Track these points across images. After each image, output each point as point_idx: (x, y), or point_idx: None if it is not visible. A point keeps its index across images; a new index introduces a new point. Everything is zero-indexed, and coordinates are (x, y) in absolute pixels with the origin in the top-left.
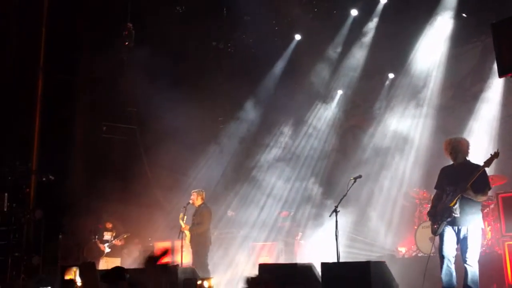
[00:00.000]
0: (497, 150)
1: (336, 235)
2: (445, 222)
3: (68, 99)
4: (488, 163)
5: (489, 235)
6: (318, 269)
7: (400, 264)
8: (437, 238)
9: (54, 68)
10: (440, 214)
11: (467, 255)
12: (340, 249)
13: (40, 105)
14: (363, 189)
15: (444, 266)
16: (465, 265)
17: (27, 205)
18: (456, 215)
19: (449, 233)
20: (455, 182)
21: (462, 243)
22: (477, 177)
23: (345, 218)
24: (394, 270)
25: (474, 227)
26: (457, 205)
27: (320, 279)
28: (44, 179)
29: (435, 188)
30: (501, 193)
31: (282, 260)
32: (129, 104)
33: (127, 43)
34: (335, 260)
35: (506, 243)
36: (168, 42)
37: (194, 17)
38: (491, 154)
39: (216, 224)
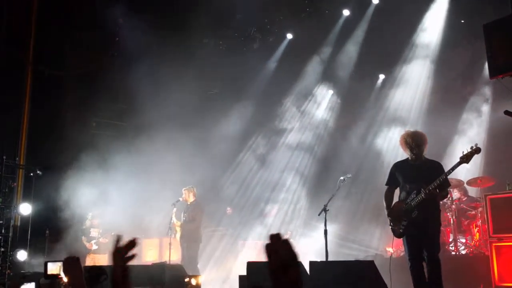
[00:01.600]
0: (477, 144)
1: (325, 234)
2: (410, 223)
3: (58, 94)
4: (467, 158)
5: (477, 236)
6: (307, 268)
7: (388, 264)
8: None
9: (44, 63)
10: (403, 214)
11: (435, 252)
12: (329, 248)
13: (28, 99)
14: (352, 189)
15: (416, 271)
16: (432, 262)
17: (14, 199)
18: (422, 215)
19: (415, 234)
20: (416, 179)
21: (427, 241)
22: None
23: (334, 218)
24: (382, 270)
25: (438, 224)
26: (422, 204)
27: (308, 278)
28: (31, 174)
29: (387, 184)
30: (489, 195)
31: None
32: (120, 101)
33: (117, 38)
34: (324, 259)
35: (494, 244)
36: (159, 40)
37: (185, 14)
38: (468, 150)
39: (207, 221)
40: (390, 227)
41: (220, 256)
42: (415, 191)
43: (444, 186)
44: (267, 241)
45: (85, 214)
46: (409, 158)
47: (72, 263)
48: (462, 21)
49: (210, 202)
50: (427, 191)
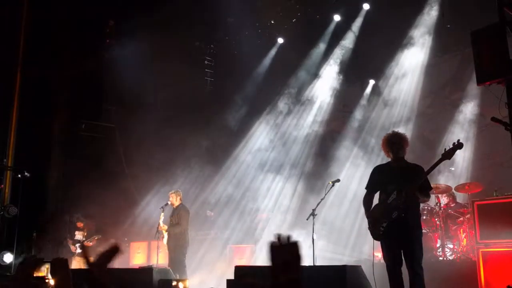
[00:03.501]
0: (459, 140)
1: (313, 238)
2: (389, 225)
3: (47, 95)
4: (449, 154)
5: (464, 242)
6: None
7: (375, 269)
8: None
9: (33, 64)
10: (382, 216)
11: (416, 258)
12: (317, 252)
13: (17, 100)
14: (341, 193)
15: (394, 275)
16: (414, 270)
17: (1, 201)
18: (402, 216)
19: (394, 236)
20: (396, 181)
21: (408, 246)
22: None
23: (323, 222)
24: (370, 275)
25: (419, 228)
26: (403, 205)
27: None
28: (19, 175)
29: (367, 188)
30: (477, 201)
31: (259, 262)
32: (109, 102)
33: (108, 40)
34: (312, 263)
35: (481, 250)
36: (150, 41)
37: (177, 16)
38: (450, 146)
39: (193, 224)
40: (368, 229)
41: (209, 260)
42: (395, 192)
43: (427, 186)
44: (274, 241)
45: (72, 217)
46: (390, 161)
47: (60, 265)
48: (448, 26)
49: (201, 206)
50: (408, 190)
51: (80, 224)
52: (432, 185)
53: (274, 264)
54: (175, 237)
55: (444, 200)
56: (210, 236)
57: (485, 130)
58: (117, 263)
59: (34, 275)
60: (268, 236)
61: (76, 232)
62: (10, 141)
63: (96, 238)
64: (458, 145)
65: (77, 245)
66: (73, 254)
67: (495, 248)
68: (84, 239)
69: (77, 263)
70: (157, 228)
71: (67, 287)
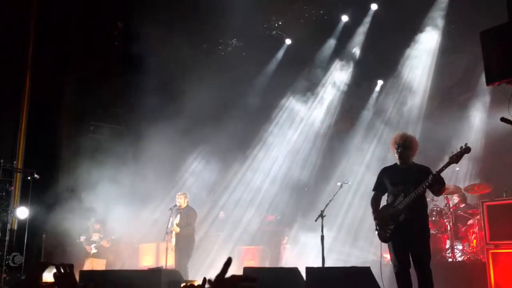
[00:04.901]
0: (466, 144)
1: (322, 240)
2: (397, 227)
3: (56, 97)
4: (456, 158)
5: (474, 243)
6: (303, 274)
7: (384, 270)
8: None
9: (42, 66)
10: (390, 218)
11: (425, 260)
12: (328, 253)
13: (27, 103)
14: (349, 195)
15: (403, 278)
16: (422, 272)
17: (11, 203)
18: (409, 218)
19: (402, 238)
20: (404, 182)
21: (416, 248)
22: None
23: (331, 223)
24: (379, 276)
25: (427, 229)
26: (410, 207)
27: (304, 284)
28: (29, 177)
29: (374, 189)
30: (486, 202)
31: (267, 264)
32: (117, 104)
33: (117, 42)
34: (320, 265)
35: (490, 251)
36: (158, 43)
37: (184, 18)
38: (457, 149)
39: (203, 225)
40: (376, 231)
41: (216, 261)
42: (402, 194)
43: (436, 183)
44: None
45: (84, 218)
46: (397, 163)
47: (65, 271)
48: (452, 25)
49: (211, 207)
50: (415, 191)
51: (97, 226)
52: None
53: None
54: (184, 239)
55: (454, 200)
56: (220, 238)
57: (494, 130)
58: (126, 265)
59: (43, 280)
60: (276, 239)
61: (93, 234)
62: (19, 143)
63: (112, 238)
64: (466, 149)
65: (93, 245)
66: (87, 254)
67: (505, 249)
68: (100, 240)
69: (89, 264)
70: (166, 229)
71: None
